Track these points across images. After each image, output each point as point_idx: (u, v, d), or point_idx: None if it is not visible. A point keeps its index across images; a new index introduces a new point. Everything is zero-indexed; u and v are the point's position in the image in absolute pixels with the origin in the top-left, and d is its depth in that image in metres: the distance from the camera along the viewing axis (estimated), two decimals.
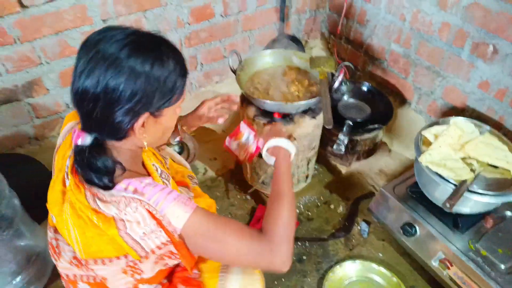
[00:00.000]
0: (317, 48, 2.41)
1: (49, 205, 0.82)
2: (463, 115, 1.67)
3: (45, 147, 1.74)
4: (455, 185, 1.23)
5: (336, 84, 1.35)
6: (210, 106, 1.19)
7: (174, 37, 1.80)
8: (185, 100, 0.81)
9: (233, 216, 1.73)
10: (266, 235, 0.79)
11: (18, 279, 1.33)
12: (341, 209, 1.77)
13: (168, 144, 1.26)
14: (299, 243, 1.62)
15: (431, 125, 1.45)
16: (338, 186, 1.85)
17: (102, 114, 0.70)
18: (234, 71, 1.42)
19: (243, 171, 1.79)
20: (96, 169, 0.73)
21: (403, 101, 1.97)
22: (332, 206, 1.78)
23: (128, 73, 0.68)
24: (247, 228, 0.80)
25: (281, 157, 1.02)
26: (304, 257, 1.59)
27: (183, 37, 1.82)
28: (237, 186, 1.82)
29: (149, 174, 0.88)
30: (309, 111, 1.44)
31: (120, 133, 0.75)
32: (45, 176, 1.03)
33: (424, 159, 1.33)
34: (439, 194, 1.32)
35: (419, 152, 1.36)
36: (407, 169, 1.89)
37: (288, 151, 1.05)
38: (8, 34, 1.40)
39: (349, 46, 2.18)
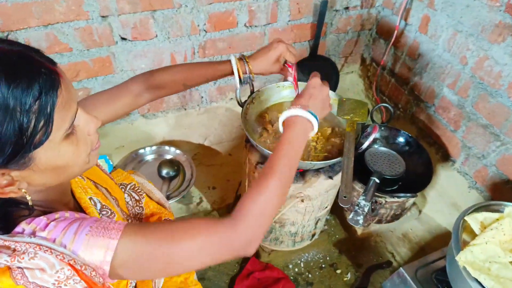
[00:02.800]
0: (354, 75, 2.09)
1: None
2: None
3: None
4: None
5: (365, 144, 1.05)
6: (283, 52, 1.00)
7: (186, 45, 1.54)
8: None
9: (220, 264, 1.48)
10: (232, 214, 0.68)
11: None
12: (349, 276, 1.47)
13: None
14: None
15: (477, 208, 1.15)
16: (350, 247, 1.56)
17: None
18: (241, 104, 1.15)
19: None
20: None
21: (446, 156, 1.64)
22: (338, 271, 1.49)
23: None
24: (202, 221, 0.67)
25: (296, 128, 0.81)
26: None
27: (196, 45, 1.56)
28: None
29: (82, 210, 0.74)
30: (326, 168, 1.16)
31: None
32: None
33: (463, 258, 1.04)
34: None
35: (457, 244, 1.08)
36: (436, 240, 1.57)
37: (310, 125, 0.84)
38: None
39: (392, 80, 1.85)
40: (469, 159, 1.54)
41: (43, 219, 0.58)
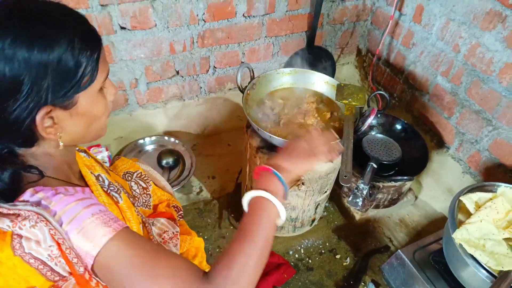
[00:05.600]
0: (350, 66, 2.12)
1: None
2: None
3: None
4: (492, 275, 1.00)
5: (363, 127, 1.08)
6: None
7: (185, 34, 1.56)
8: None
9: (220, 251, 1.50)
10: (209, 279, 0.59)
11: None
12: (348, 261, 1.50)
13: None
14: None
15: (472, 189, 1.19)
16: (348, 232, 1.59)
17: None
18: (242, 90, 1.17)
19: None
20: None
21: (440, 143, 1.68)
22: (338, 256, 1.52)
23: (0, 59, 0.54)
24: (189, 266, 0.61)
25: (259, 213, 0.69)
26: None
27: (195, 35, 1.58)
28: (233, 215, 1.58)
29: (87, 186, 0.75)
30: None
31: (22, 136, 0.61)
32: None
33: (459, 235, 1.08)
34: (469, 278, 1.09)
35: (453, 223, 1.12)
36: (432, 224, 1.62)
37: (276, 212, 0.71)
38: None
39: (388, 69, 1.89)
40: (463, 144, 1.57)
41: (51, 190, 0.60)
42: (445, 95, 1.60)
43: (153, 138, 1.73)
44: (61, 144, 0.64)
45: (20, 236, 0.57)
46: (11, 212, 0.57)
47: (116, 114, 1.73)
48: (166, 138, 1.74)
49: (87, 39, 0.60)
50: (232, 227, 1.55)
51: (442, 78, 1.60)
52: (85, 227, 0.58)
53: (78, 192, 0.64)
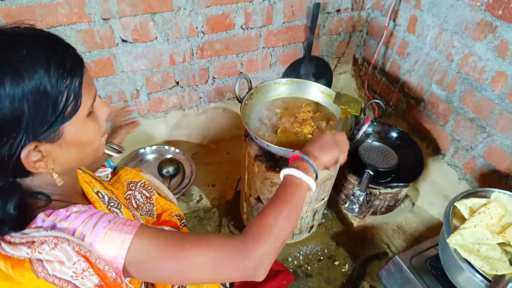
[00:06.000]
0: (347, 75, 2.16)
1: None
2: (507, 183, 1.42)
3: None
4: (487, 279, 1.01)
5: (358, 134, 1.11)
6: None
7: (185, 46, 1.60)
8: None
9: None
10: (242, 236, 0.68)
11: None
12: (346, 267, 1.52)
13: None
14: None
15: (466, 195, 1.21)
16: (347, 239, 1.61)
17: None
18: (240, 100, 1.20)
19: (240, 208, 1.57)
20: None
21: (436, 150, 1.71)
22: (336, 263, 1.53)
23: None
24: (216, 237, 0.67)
25: (291, 188, 0.79)
26: None
27: (195, 47, 1.62)
28: (232, 223, 1.60)
29: (90, 203, 0.75)
30: None
31: (13, 171, 0.57)
32: None
33: (453, 240, 1.09)
34: (465, 282, 1.10)
35: (448, 228, 1.13)
36: (429, 230, 1.63)
37: (305, 186, 0.81)
38: None
39: (383, 78, 1.92)
40: (458, 151, 1.60)
41: (62, 211, 0.60)
42: (440, 103, 1.63)
43: (154, 147, 1.76)
44: (54, 176, 0.62)
45: (41, 260, 0.56)
46: (24, 240, 0.56)
47: None
48: (166, 147, 1.77)
49: (64, 66, 0.55)
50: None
51: (437, 87, 1.63)
52: (107, 233, 0.60)
53: (88, 208, 0.65)
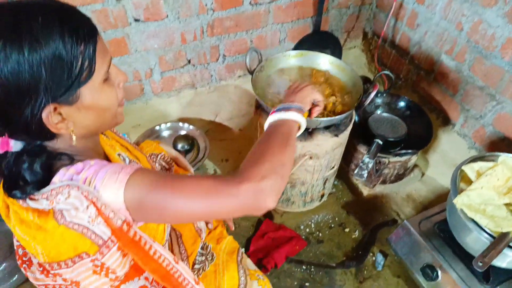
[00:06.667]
0: (356, 49, 2.17)
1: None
2: None
3: None
4: (493, 236, 1.05)
5: (366, 101, 1.14)
6: None
7: (195, 24, 1.64)
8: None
9: (237, 227, 1.59)
10: (240, 175, 0.65)
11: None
12: (356, 234, 1.58)
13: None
14: (304, 267, 1.46)
15: (474, 159, 1.24)
16: (357, 208, 1.66)
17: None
18: (251, 72, 1.24)
19: None
20: (18, 180, 0.63)
21: (446, 121, 1.72)
22: (346, 230, 1.59)
23: None
24: (213, 176, 0.72)
25: (278, 125, 0.82)
26: (307, 284, 1.42)
27: (205, 25, 1.66)
28: None
29: None
30: (332, 127, 1.25)
31: (36, 133, 0.63)
32: None
33: (460, 201, 1.13)
34: (472, 242, 1.14)
35: (455, 190, 1.16)
36: (439, 199, 1.67)
37: (296, 123, 0.83)
38: None
39: (393, 51, 1.93)
40: (468, 120, 1.62)
41: (80, 164, 0.65)
42: (449, 73, 1.64)
43: (168, 124, 1.82)
44: (74, 138, 0.66)
45: (60, 210, 0.61)
46: (44, 195, 0.61)
47: (133, 103, 1.82)
48: (180, 124, 1.83)
49: (78, 33, 0.58)
50: None
51: (447, 57, 1.64)
52: (106, 176, 0.62)
53: (106, 163, 0.68)
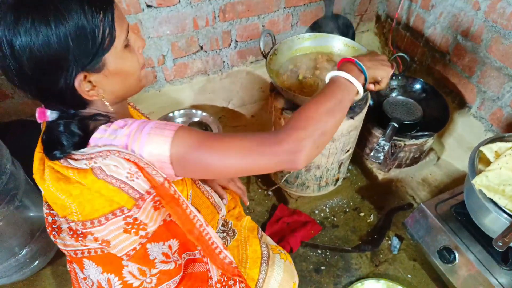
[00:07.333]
0: (369, 33, 2.14)
1: (34, 175, 0.76)
2: None
3: None
4: None
5: None
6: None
7: (207, 9, 1.63)
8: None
9: (252, 212, 1.60)
10: (284, 132, 0.69)
11: (21, 253, 1.29)
12: (372, 218, 1.58)
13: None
14: (319, 251, 1.47)
15: (492, 140, 1.22)
16: (372, 192, 1.65)
17: (35, 87, 0.65)
18: (265, 55, 1.24)
19: None
20: (61, 143, 0.68)
21: (462, 103, 1.70)
22: (362, 214, 1.59)
23: (25, 41, 0.59)
24: (254, 132, 0.72)
25: (342, 85, 0.79)
26: (323, 268, 1.43)
27: (217, 9, 1.65)
28: (260, 180, 1.67)
29: None
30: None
31: (71, 101, 0.69)
32: None
33: (478, 181, 1.12)
34: (490, 223, 1.13)
35: (473, 171, 1.15)
36: (455, 182, 1.65)
37: (352, 89, 0.80)
38: None
39: (408, 34, 1.90)
40: (485, 103, 1.59)
41: (120, 120, 0.70)
42: (465, 54, 1.61)
43: (182, 111, 1.83)
44: (106, 103, 0.71)
45: (99, 166, 0.66)
46: (84, 157, 0.66)
47: (146, 90, 1.83)
48: (193, 110, 1.83)
49: (95, 4, 0.62)
50: (260, 190, 1.65)
51: (462, 38, 1.60)
52: (152, 131, 0.66)
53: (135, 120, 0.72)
